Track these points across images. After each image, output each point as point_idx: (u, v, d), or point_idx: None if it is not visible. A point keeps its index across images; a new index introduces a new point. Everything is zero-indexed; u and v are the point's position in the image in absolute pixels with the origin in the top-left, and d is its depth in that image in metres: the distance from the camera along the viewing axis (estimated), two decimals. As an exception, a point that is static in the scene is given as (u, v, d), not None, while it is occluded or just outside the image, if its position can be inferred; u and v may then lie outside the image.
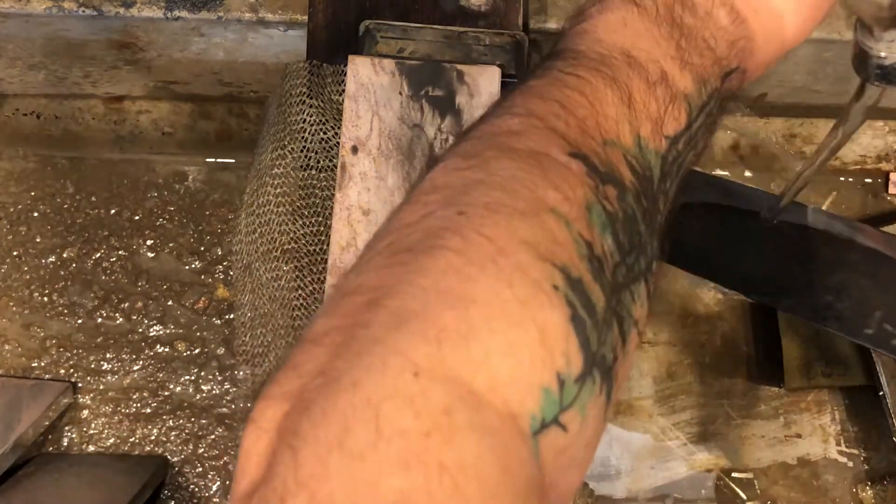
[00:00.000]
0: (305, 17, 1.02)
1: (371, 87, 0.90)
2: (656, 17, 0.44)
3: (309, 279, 0.95)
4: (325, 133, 0.96)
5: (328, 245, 0.91)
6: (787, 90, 1.17)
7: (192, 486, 1.21)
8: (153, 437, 1.21)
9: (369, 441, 0.30)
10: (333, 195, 0.89)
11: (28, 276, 1.24)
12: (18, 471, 1.15)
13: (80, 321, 1.23)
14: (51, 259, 1.25)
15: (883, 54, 0.61)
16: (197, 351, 1.23)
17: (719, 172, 1.27)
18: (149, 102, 1.27)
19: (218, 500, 1.21)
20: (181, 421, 1.21)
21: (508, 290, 0.33)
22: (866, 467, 1.23)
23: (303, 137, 0.97)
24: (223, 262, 1.25)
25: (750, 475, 1.23)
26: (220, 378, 1.22)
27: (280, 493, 0.30)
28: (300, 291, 0.95)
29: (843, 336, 0.97)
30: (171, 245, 1.25)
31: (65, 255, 1.25)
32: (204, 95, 1.25)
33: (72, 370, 1.22)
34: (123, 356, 1.23)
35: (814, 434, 1.23)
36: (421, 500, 0.29)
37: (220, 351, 1.23)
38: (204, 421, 1.21)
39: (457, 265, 0.33)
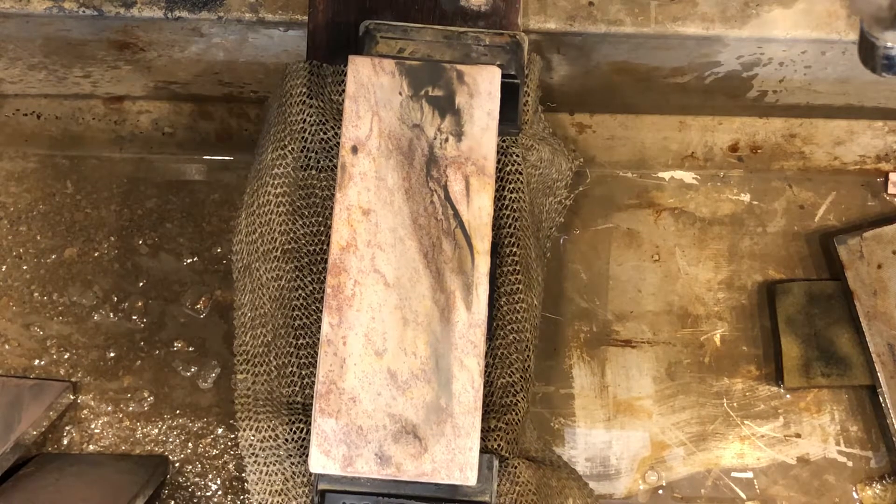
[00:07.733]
0: (305, 17, 1.02)
1: (371, 87, 0.90)
2: None
3: (309, 279, 0.95)
4: (325, 133, 0.96)
5: (328, 245, 0.91)
6: (787, 90, 1.18)
7: (192, 486, 1.21)
8: (153, 437, 1.21)
9: None
10: (333, 195, 0.89)
11: (28, 276, 1.24)
12: (18, 471, 1.15)
13: (80, 321, 1.23)
14: (51, 259, 1.25)
15: (889, 44, 0.61)
16: (197, 351, 1.23)
17: (719, 173, 1.28)
18: (149, 102, 1.28)
19: (218, 499, 1.21)
20: (181, 420, 1.22)
21: None
22: (866, 467, 1.23)
23: (303, 137, 0.97)
24: (223, 261, 1.25)
25: (749, 475, 1.23)
26: (219, 378, 1.23)
27: None
28: (300, 291, 0.95)
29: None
30: (170, 245, 1.26)
31: (65, 255, 1.25)
32: (204, 95, 1.25)
33: (72, 370, 1.22)
34: (123, 356, 1.23)
35: (813, 434, 1.23)
36: None
37: (220, 350, 1.23)
38: (204, 420, 1.22)
39: None
